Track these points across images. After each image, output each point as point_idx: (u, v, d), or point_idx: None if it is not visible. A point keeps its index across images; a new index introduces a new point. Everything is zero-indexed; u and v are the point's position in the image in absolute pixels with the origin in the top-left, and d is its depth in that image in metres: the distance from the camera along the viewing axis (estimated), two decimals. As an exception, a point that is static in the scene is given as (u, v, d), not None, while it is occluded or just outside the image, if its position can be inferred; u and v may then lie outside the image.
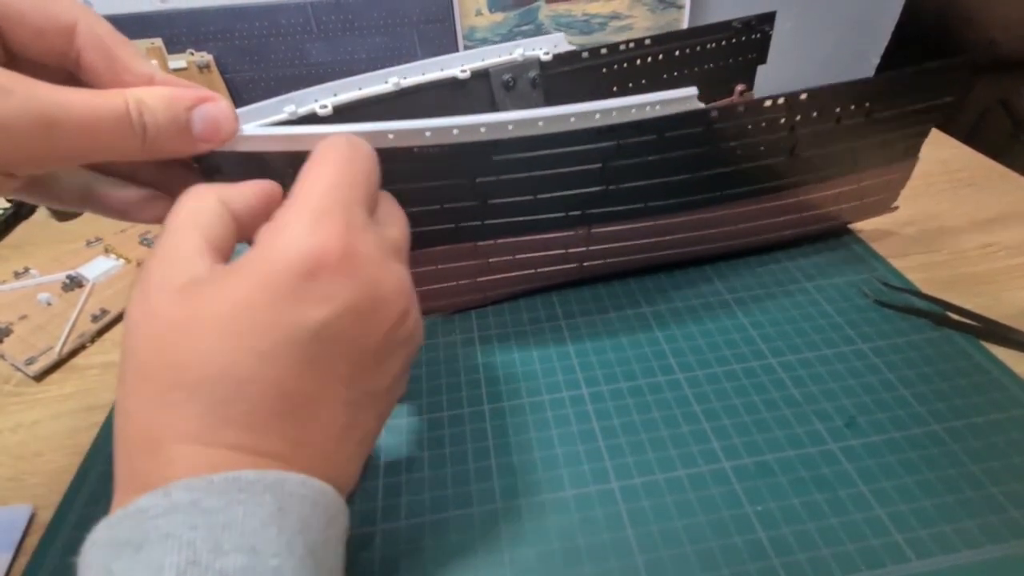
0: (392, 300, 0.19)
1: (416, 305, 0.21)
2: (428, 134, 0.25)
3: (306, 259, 0.17)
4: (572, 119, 0.27)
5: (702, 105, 0.29)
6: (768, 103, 0.31)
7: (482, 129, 0.26)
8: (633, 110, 0.28)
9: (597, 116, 0.28)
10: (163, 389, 0.17)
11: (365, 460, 0.22)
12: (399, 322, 0.20)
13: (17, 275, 0.43)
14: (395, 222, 0.22)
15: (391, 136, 0.25)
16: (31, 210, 0.54)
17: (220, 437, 0.17)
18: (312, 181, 0.19)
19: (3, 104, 0.16)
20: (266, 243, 0.18)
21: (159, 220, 0.24)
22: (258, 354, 0.17)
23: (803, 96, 0.31)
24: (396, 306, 0.19)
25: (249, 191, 0.20)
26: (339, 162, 0.20)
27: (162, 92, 0.19)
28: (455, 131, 0.26)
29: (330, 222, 0.18)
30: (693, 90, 0.29)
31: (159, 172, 0.23)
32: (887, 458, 0.28)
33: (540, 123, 0.27)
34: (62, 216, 0.52)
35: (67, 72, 0.20)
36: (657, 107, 0.28)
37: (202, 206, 0.19)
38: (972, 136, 0.57)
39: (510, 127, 0.27)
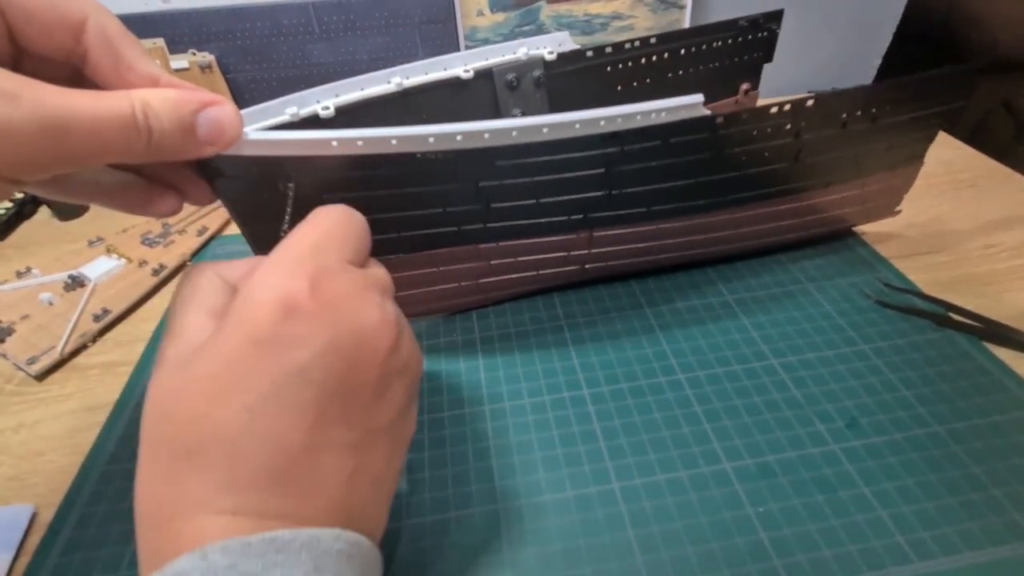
0: (376, 330, 0.19)
1: (408, 335, 0.22)
2: (432, 140, 0.25)
3: (279, 302, 0.18)
4: (577, 126, 0.27)
5: (708, 112, 0.29)
6: (774, 109, 0.31)
7: (486, 135, 0.26)
8: (638, 117, 0.28)
9: (602, 123, 0.27)
10: (166, 462, 0.17)
11: (388, 503, 0.21)
12: (390, 351, 0.20)
13: (19, 275, 0.43)
14: (378, 267, 0.23)
15: (394, 142, 0.25)
16: (33, 210, 0.54)
17: (221, 504, 0.16)
18: (294, 236, 0.20)
19: (12, 111, 0.16)
20: (242, 295, 0.18)
21: (168, 214, 0.24)
22: (247, 408, 0.17)
23: (809, 103, 0.31)
24: (383, 336, 0.19)
25: (243, 263, 0.22)
26: (324, 222, 0.21)
27: (168, 95, 0.19)
28: (459, 137, 0.26)
29: (301, 267, 0.19)
30: (699, 97, 0.29)
31: (166, 167, 0.23)
32: (888, 459, 0.28)
33: (545, 130, 0.27)
34: (64, 216, 0.52)
35: (73, 67, 0.20)
36: (663, 114, 0.28)
37: (200, 281, 0.20)
38: (974, 137, 0.57)
39: (514, 133, 0.27)
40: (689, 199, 0.34)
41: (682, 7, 0.65)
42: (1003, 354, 0.33)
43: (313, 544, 0.16)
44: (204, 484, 0.17)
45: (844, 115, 0.33)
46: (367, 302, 0.19)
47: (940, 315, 0.36)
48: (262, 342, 0.17)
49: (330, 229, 0.21)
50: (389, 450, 0.21)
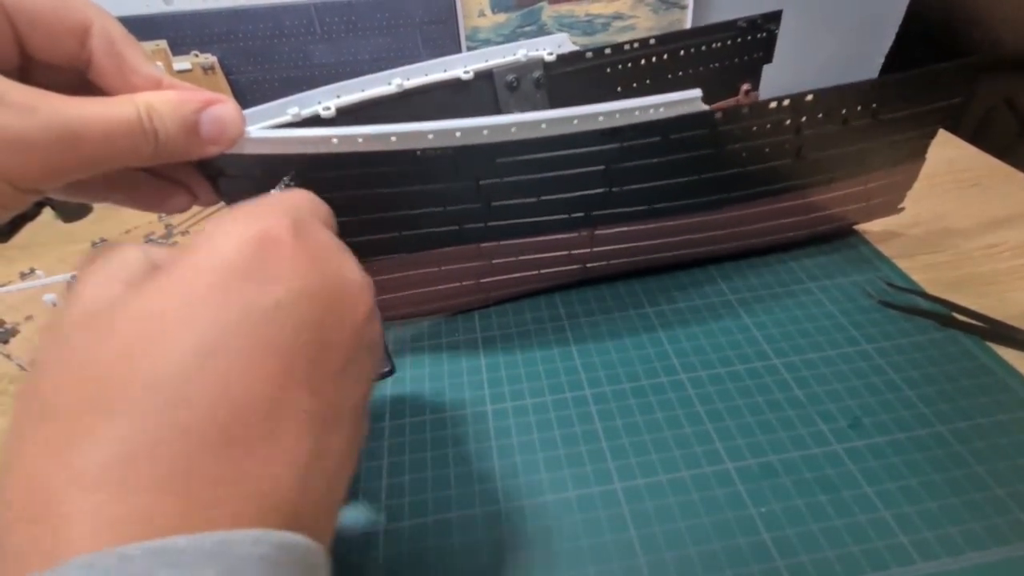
0: (356, 293, 0.17)
1: (378, 315, 0.20)
2: (431, 136, 0.25)
3: (256, 234, 0.16)
4: (575, 121, 0.27)
5: (706, 107, 0.29)
6: (773, 105, 0.31)
7: (485, 131, 0.26)
8: (637, 112, 0.28)
9: (601, 118, 0.28)
10: (68, 421, 0.13)
11: (338, 509, 0.17)
12: (365, 319, 0.18)
13: (23, 276, 0.43)
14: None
15: (394, 139, 0.25)
16: (37, 211, 0.54)
17: (140, 478, 0.12)
18: (263, 196, 0.19)
19: (28, 122, 0.16)
20: (206, 232, 0.16)
21: (180, 210, 0.24)
22: (200, 347, 0.13)
23: (809, 98, 0.31)
24: (362, 299, 0.18)
25: (175, 248, 0.20)
26: (292, 195, 0.19)
27: (170, 96, 0.19)
28: (458, 134, 0.26)
29: (281, 210, 0.17)
30: (697, 92, 0.29)
31: (175, 166, 0.24)
32: (891, 459, 0.28)
33: (543, 125, 0.27)
34: (68, 217, 0.52)
35: (77, 72, 0.20)
36: (661, 109, 0.28)
37: (119, 255, 0.17)
38: (977, 136, 0.57)
39: (513, 129, 0.27)
40: (690, 196, 0.34)
41: (684, 7, 0.65)
42: (1007, 354, 0.33)
43: (222, 553, 0.12)
44: (119, 448, 0.12)
45: (844, 111, 0.33)
46: (349, 260, 0.18)
47: (943, 315, 0.36)
48: (231, 274, 0.15)
49: (301, 198, 0.19)
50: (349, 439, 0.17)
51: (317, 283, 0.16)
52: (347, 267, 0.18)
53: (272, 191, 0.25)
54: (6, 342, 0.38)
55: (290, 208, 0.18)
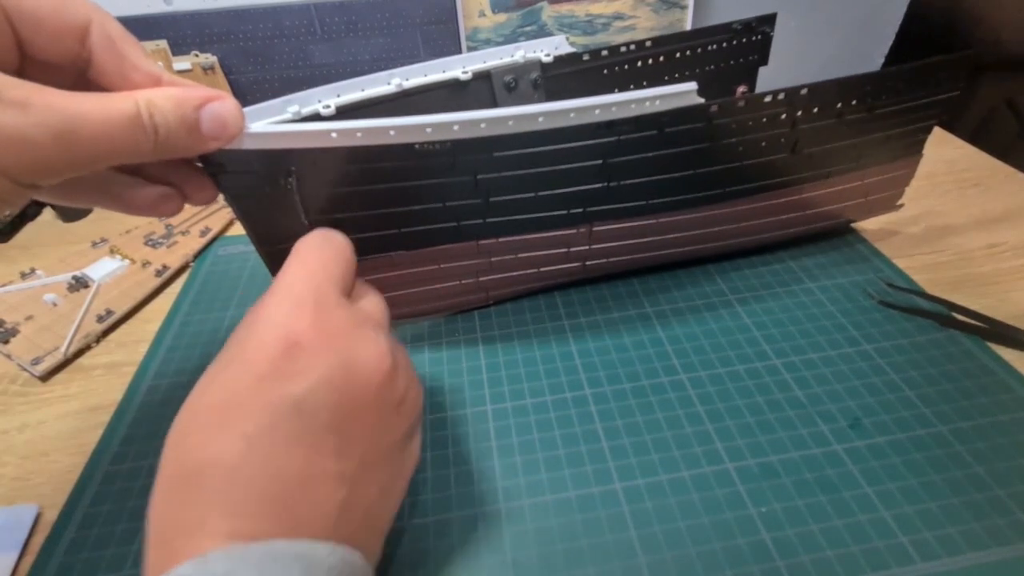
0: (369, 363, 0.20)
1: (407, 370, 0.22)
2: (429, 130, 0.26)
3: (282, 340, 0.19)
4: (572, 114, 0.27)
5: (702, 100, 0.29)
6: (768, 98, 0.31)
7: (482, 125, 0.26)
8: (632, 105, 0.28)
9: (597, 111, 0.28)
10: (171, 483, 0.18)
11: (383, 532, 0.22)
12: (384, 384, 0.20)
13: (23, 276, 0.43)
14: (369, 296, 0.24)
15: (392, 133, 0.25)
16: (37, 211, 0.54)
17: (218, 527, 0.17)
18: (290, 272, 0.21)
19: (23, 118, 0.16)
20: (249, 331, 0.20)
21: (171, 214, 0.24)
22: (246, 437, 0.18)
23: (803, 91, 0.31)
24: (375, 369, 0.20)
25: None
26: (312, 252, 0.22)
27: (171, 92, 0.19)
28: (455, 127, 0.26)
29: (302, 307, 0.20)
30: (692, 85, 0.29)
31: (165, 168, 0.24)
32: (892, 460, 0.28)
33: (540, 118, 0.27)
34: (68, 217, 0.52)
35: (77, 70, 0.20)
36: (657, 102, 0.28)
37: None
38: (978, 136, 0.57)
39: (510, 123, 0.27)
40: (688, 192, 0.34)
41: (684, 7, 0.65)
42: (1007, 354, 0.33)
43: (307, 555, 0.17)
44: (202, 507, 0.17)
45: (839, 104, 0.33)
46: (361, 337, 0.20)
47: (943, 315, 0.36)
48: (263, 377, 0.19)
49: (320, 262, 0.22)
50: (384, 482, 0.21)
51: (332, 369, 0.19)
52: (360, 344, 0.20)
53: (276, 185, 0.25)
54: (6, 342, 0.38)
55: (311, 295, 0.20)
